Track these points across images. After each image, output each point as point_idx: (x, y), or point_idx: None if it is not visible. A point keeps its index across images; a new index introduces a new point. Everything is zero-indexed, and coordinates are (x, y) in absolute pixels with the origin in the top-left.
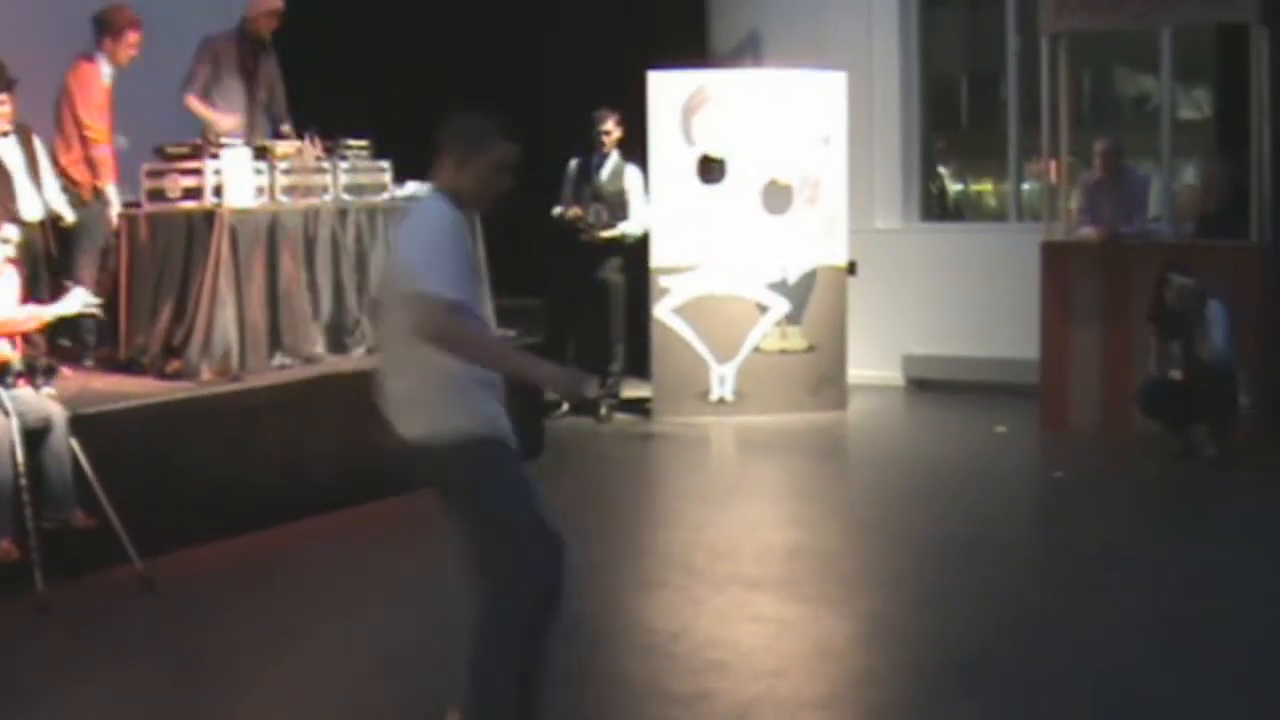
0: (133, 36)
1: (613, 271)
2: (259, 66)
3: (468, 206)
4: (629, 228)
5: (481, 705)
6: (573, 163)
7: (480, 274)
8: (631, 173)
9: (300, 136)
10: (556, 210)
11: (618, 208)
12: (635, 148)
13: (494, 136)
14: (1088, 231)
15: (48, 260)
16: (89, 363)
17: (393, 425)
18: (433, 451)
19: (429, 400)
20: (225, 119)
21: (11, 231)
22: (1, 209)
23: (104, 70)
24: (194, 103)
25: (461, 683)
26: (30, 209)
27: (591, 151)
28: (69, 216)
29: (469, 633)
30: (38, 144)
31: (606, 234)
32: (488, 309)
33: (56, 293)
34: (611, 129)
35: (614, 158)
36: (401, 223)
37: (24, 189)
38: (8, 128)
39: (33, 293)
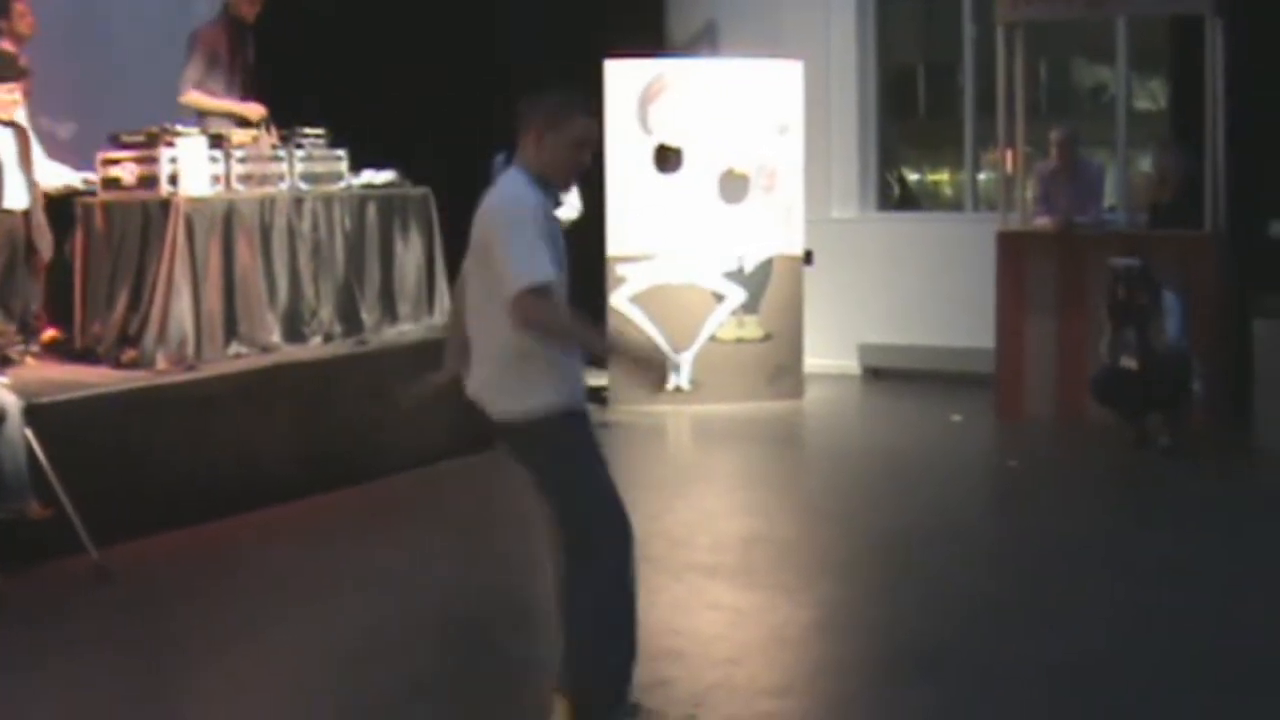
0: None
1: None
2: (245, 51)
3: (550, 183)
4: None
5: (594, 673)
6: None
7: (561, 251)
8: (573, 199)
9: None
10: None
11: None
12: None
13: (574, 112)
14: (1043, 221)
15: (28, 250)
16: (34, 347)
17: (481, 405)
18: (520, 428)
19: (515, 380)
20: (242, 105)
21: None
22: None
23: None
24: (196, 97)
25: (564, 664)
26: (15, 198)
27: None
28: (82, 184)
29: (565, 612)
30: (33, 135)
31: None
32: (564, 287)
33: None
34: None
35: None
36: (482, 201)
37: (12, 179)
38: (7, 116)
39: (8, 281)
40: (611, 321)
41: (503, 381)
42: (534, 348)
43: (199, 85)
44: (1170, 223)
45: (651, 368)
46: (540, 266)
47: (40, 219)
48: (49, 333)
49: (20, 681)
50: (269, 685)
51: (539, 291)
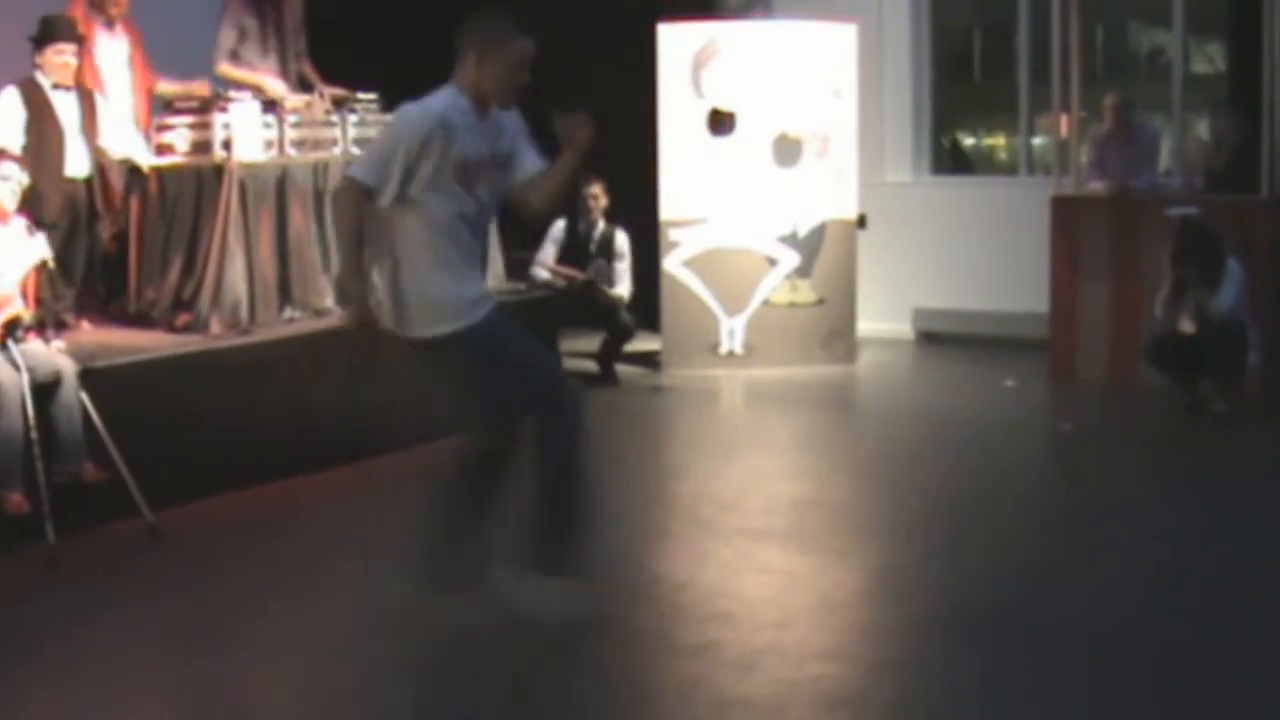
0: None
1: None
2: (281, 11)
3: (489, 102)
4: (623, 290)
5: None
6: (559, 223)
7: (489, 166)
8: (621, 237)
9: (320, 77)
10: (542, 274)
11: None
12: (643, 101)
13: (511, 34)
14: (1097, 185)
15: (90, 218)
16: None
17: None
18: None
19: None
20: (269, 80)
21: (11, 169)
22: (43, 162)
23: None
24: (226, 69)
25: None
26: (77, 165)
27: (577, 217)
28: (145, 162)
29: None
30: (99, 101)
31: (611, 292)
32: (494, 199)
33: (92, 254)
34: (599, 194)
35: (601, 224)
36: None
37: (74, 146)
38: (66, 80)
39: (68, 247)
40: (666, 287)
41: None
42: (408, 249)
43: (231, 55)
44: (1225, 187)
45: (360, 309)
46: (373, 173)
47: (112, 184)
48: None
49: (74, 640)
50: (317, 645)
51: (348, 182)
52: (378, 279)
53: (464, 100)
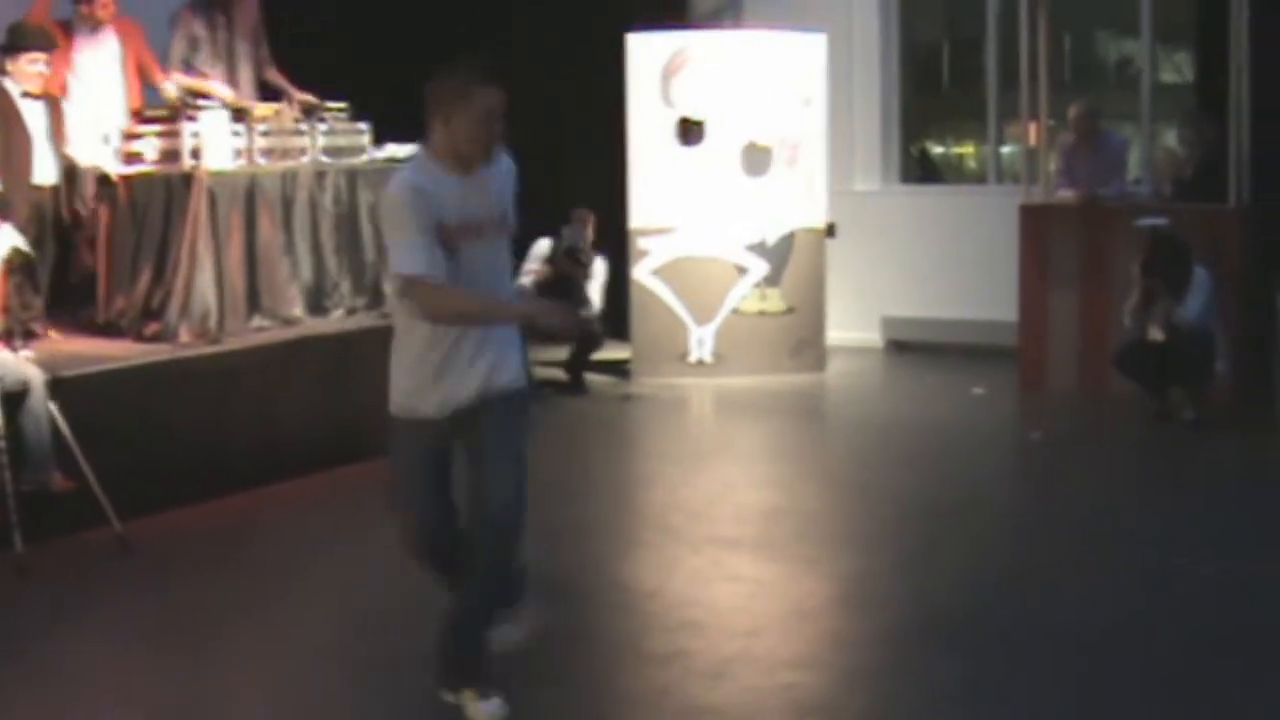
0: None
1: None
2: (231, 19)
3: (468, 161)
4: (594, 304)
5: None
6: (544, 241)
7: (480, 228)
8: (600, 265)
9: (288, 82)
10: (528, 283)
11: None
12: (612, 110)
13: (474, 85)
14: (1065, 194)
15: (56, 225)
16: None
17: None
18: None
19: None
20: (216, 85)
21: None
22: (11, 169)
23: None
24: (175, 78)
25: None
26: (44, 173)
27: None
28: (112, 170)
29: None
30: (65, 109)
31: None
32: (497, 261)
33: (62, 259)
34: (588, 222)
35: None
36: None
37: (42, 153)
38: (36, 89)
39: (37, 256)
40: (635, 296)
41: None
42: (400, 341)
43: (184, 64)
44: (1194, 196)
45: (564, 312)
46: (416, 260)
47: (83, 190)
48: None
49: (43, 650)
50: (287, 655)
51: (422, 282)
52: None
53: (433, 164)
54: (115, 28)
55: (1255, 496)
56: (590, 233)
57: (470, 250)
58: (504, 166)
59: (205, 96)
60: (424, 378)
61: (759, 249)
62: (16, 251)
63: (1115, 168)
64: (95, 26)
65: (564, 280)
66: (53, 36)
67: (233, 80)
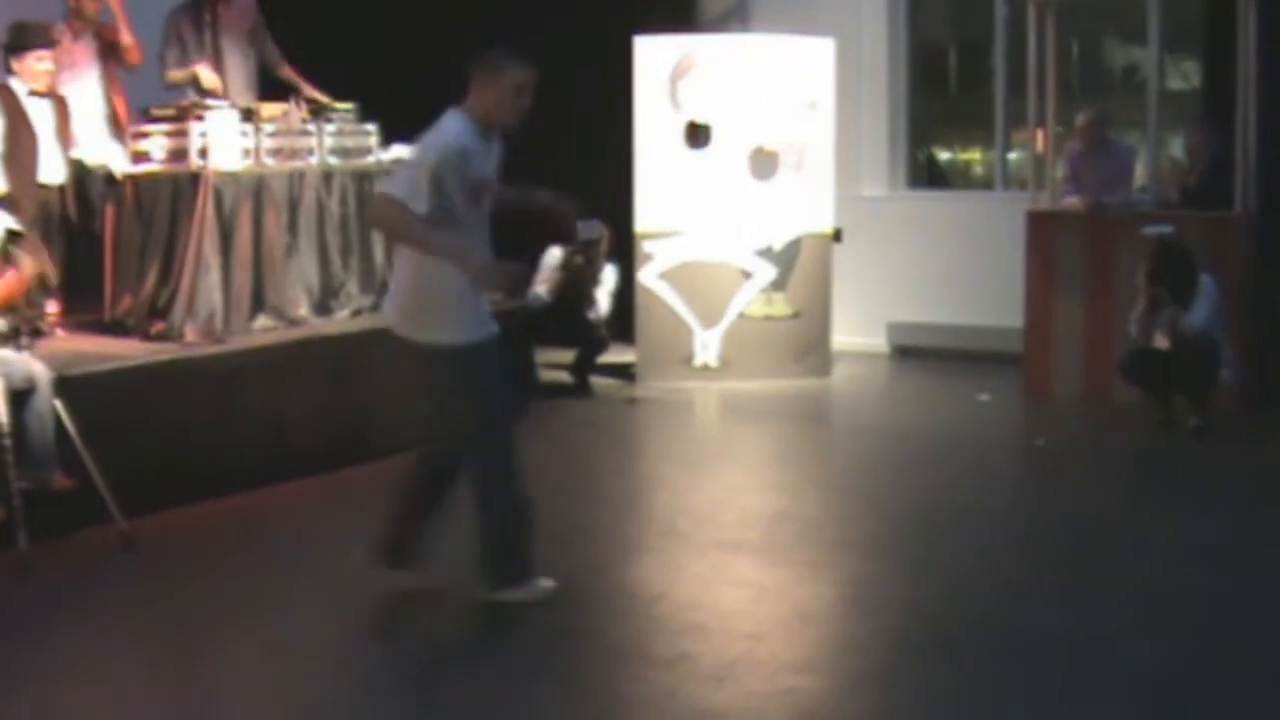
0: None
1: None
2: (224, 22)
3: (492, 125)
4: (601, 308)
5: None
6: (555, 251)
7: (489, 184)
8: (610, 272)
9: (305, 80)
10: (542, 294)
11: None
12: (620, 113)
13: (511, 62)
14: (1072, 201)
15: (63, 224)
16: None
17: (390, 325)
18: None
19: (420, 310)
20: (202, 70)
21: None
22: (18, 169)
23: None
24: (171, 75)
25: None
26: (51, 172)
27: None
28: (119, 170)
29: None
30: (69, 105)
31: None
32: (483, 229)
33: (69, 258)
34: (604, 237)
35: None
36: None
37: (48, 152)
38: (42, 87)
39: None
40: (640, 299)
41: (409, 309)
42: (430, 283)
43: (177, 67)
44: (1200, 203)
45: (502, 267)
46: (408, 192)
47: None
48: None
49: (46, 648)
50: (289, 655)
51: (397, 202)
52: (394, 279)
53: (473, 125)
54: (94, 31)
55: (1260, 505)
56: (606, 246)
57: (485, 201)
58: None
59: (191, 81)
60: (475, 303)
61: (765, 253)
62: (10, 234)
63: (1122, 176)
64: (82, 29)
65: (576, 287)
66: (53, 34)
67: (225, 80)
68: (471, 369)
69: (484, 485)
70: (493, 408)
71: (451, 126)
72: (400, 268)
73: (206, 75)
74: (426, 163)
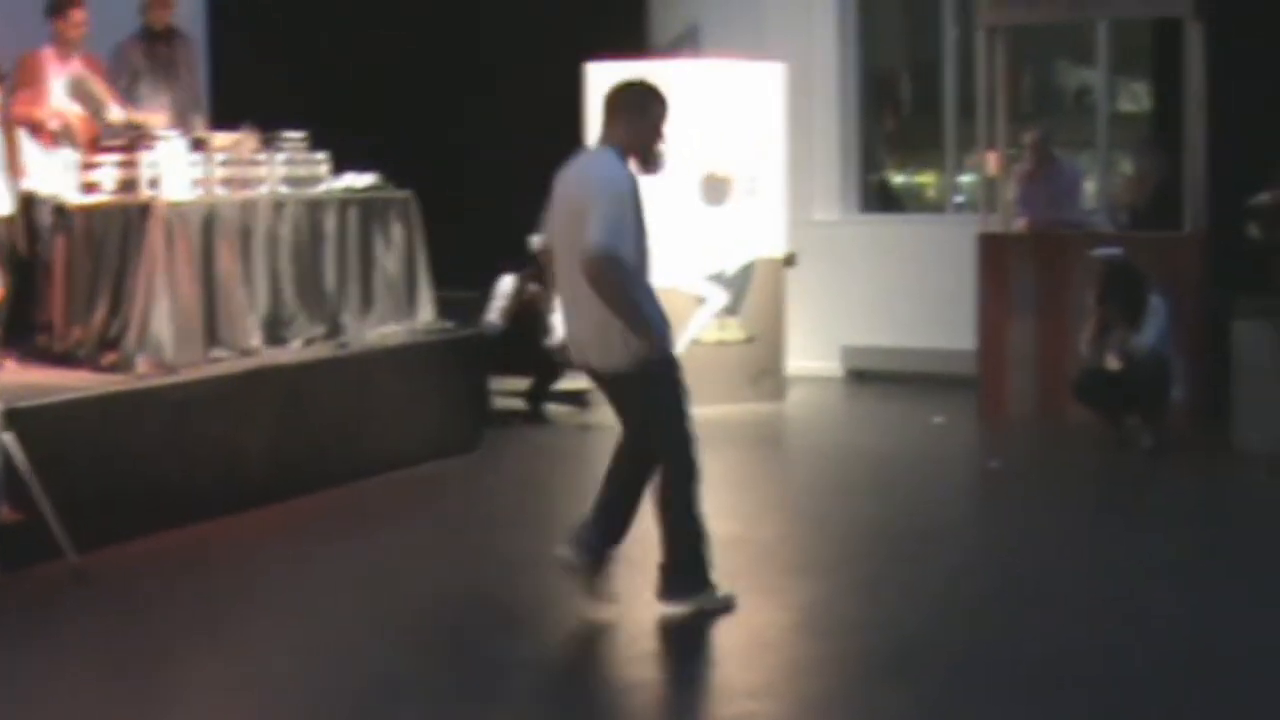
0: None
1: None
2: (172, 57)
3: (635, 160)
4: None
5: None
6: (507, 279)
7: (644, 225)
8: None
9: (229, 127)
10: (496, 322)
11: None
12: (571, 139)
13: (657, 98)
14: (1021, 223)
15: (13, 256)
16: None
17: (583, 358)
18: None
19: (614, 333)
20: (155, 116)
21: None
22: None
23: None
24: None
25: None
26: (0, 204)
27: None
28: (70, 199)
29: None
30: (20, 136)
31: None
32: (648, 257)
33: (20, 289)
34: None
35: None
36: (573, 169)
37: None
38: None
39: None
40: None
41: (602, 335)
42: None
43: (125, 96)
44: (1149, 223)
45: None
46: (615, 233)
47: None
48: None
49: None
50: (246, 687)
51: (613, 259)
52: (568, 321)
53: (618, 160)
54: (80, 60)
55: (1213, 523)
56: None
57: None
58: None
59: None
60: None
61: (718, 279)
62: None
63: (1070, 195)
64: (66, 55)
65: (531, 313)
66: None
67: (174, 110)
68: (674, 370)
69: (679, 492)
70: (688, 412)
71: (612, 162)
72: (579, 304)
73: (154, 121)
74: (619, 197)
